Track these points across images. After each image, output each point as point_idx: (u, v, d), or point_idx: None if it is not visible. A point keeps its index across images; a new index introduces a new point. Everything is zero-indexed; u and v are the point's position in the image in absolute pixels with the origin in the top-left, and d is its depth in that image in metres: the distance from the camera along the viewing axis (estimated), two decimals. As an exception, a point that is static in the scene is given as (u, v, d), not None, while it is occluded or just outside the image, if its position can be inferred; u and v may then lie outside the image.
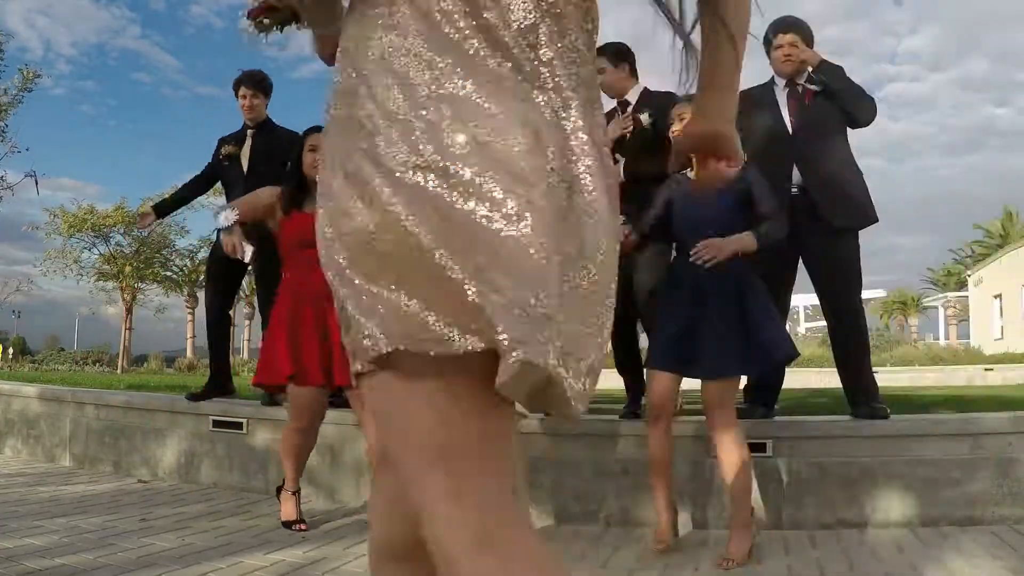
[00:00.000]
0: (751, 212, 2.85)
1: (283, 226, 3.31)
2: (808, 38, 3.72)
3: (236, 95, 4.48)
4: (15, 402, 5.42)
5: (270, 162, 4.35)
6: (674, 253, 3.05)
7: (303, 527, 3.24)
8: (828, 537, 3.09)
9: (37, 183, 19.34)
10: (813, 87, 3.64)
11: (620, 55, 3.85)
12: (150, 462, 4.56)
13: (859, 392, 3.56)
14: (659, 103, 3.72)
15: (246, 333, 35.28)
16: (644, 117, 3.71)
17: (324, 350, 3.16)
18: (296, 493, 3.34)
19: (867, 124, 3.65)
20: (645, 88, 3.88)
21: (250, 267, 4.63)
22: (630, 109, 3.82)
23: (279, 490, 3.39)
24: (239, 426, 4.23)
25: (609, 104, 3.92)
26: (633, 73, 3.91)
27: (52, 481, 4.36)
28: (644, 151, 3.67)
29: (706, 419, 2.83)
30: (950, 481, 3.24)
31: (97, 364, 31.52)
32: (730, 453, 2.74)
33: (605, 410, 4.06)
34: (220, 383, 4.56)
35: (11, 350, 38.13)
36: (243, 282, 4.77)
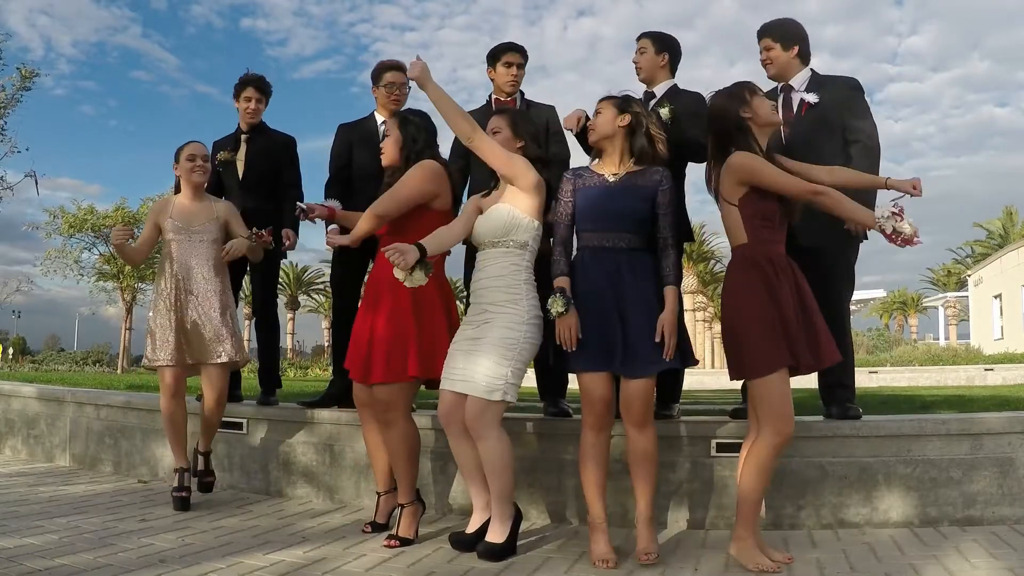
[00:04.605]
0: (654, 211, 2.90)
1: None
2: (782, 35, 3.58)
3: (238, 97, 4.43)
4: (15, 402, 5.42)
5: (266, 166, 4.37)
6: (577, 248, 3.00)
7: (367, 529, 3.25)
8: (828, 537, 3.09)
9: (37, 183, 19.32)
10: (810, 99, 3.50)
11: (664, 44, 3.74)
12: (150, 462, 4.55)
13: (835, 392, 3.52)
14: (684, 102, 3.59)
15: (246, 333, 35.26)
16: (664, 112, 3.58)
17: (363, 346, 3.12)
18: (380, 495, 3.32)
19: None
20: (675, 85, 3.75)
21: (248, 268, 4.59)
22: (653, 102, 3.69)
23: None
24: (239, 426, 4.24)
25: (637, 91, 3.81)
26: (671, 67, 3.77)
27: (52, 481, 4.36)
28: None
29: (627, 417, 2.82)
30: (950, 481, 3.24)
31: (97, 364, 31.56)
32: (653, 448, 2.84)
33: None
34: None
35: (11, 350, 38.16)
36: (242, 282, 4.72)
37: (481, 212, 3.04)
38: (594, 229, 2.90)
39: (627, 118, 2.91)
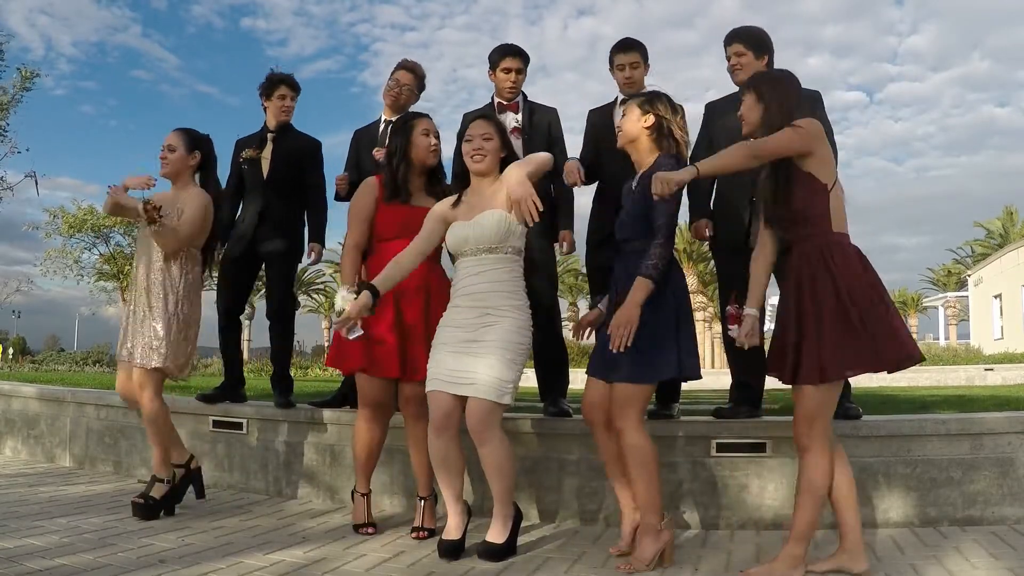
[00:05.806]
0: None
1: (378, 215, 3.22)
2: (755, 43, 3.58)
3: (270, 96, 4.33)
4: (15, 402, 5.42)
5: (291, 166, 4.32)
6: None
7: (370, 531, 3.25)
8: (828, 537, 3.09)
9: (37, 183, 19.32)
10: None
11: (647, 57, 3.87)
12: (150, 462, 4.52)
13: None
14: None
15: (246, 333, 35.35)
16: None
17: (399, 344, 3.12)
18: (366, 495, 3.32)
19: None
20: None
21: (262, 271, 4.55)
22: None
23: (353, 492, 3.36)
24: (239, 426, 4.23)
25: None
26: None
27: (52, 481, 4.36)
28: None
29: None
30: (950, 481, 3.24)
31: (97, 364, 31.48)
32: (629, 451, 2.72)
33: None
34: (230, 388, 4.47)
35: (11, 350, 38.12)
36: (253, 284, 4.68)
37: (448, 221, 2.99)
38: (625, 240, 2.85)
39: (650, 119, 2.80)
